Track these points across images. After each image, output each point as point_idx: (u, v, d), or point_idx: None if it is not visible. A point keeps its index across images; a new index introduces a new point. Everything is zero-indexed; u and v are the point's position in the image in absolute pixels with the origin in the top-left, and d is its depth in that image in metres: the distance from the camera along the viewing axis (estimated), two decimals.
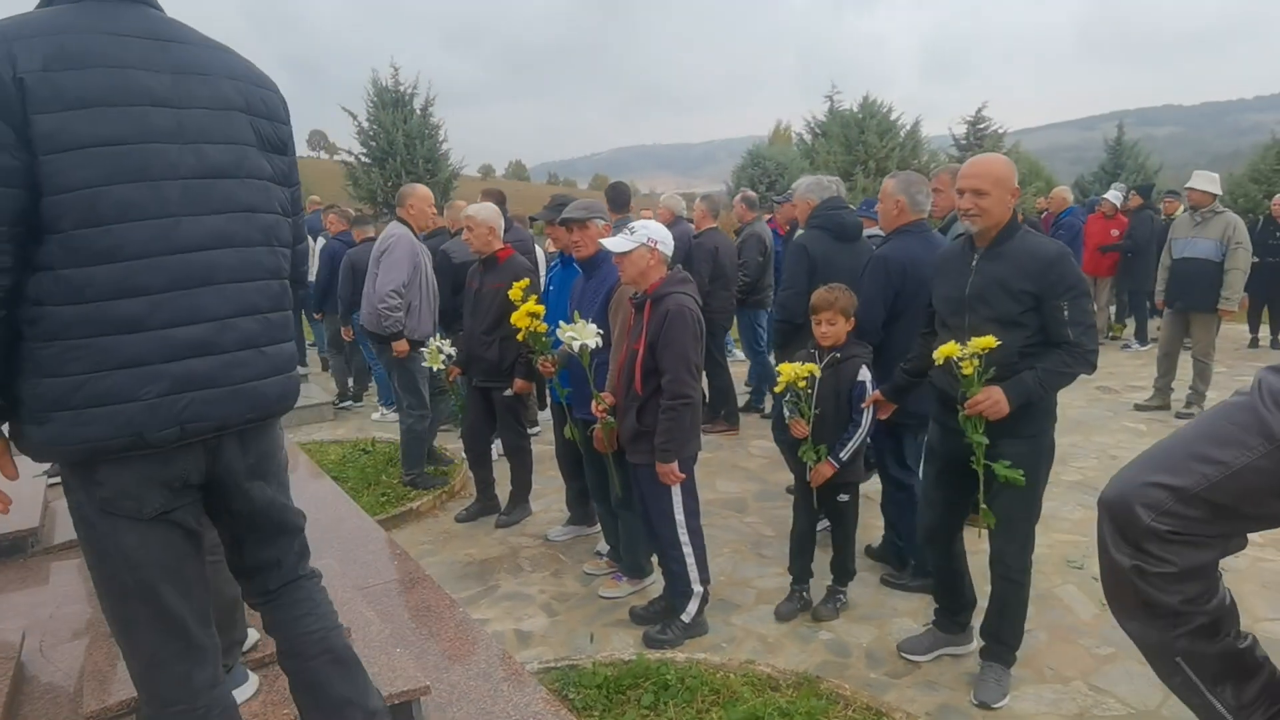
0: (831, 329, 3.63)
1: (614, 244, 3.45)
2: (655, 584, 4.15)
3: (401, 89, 23.17)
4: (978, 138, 25.45)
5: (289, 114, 1.89)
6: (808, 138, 27.45)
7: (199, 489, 1.76)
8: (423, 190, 5.59)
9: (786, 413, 3.67)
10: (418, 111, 23.26)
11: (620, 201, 6.36)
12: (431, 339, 5.22)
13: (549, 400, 4.83)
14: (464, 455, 5.52)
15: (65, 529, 4.17)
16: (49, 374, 1.56)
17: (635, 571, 4.17)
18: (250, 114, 1.76)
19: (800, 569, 3.90)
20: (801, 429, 3.58)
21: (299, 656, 1.96)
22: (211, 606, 1.86)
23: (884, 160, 22.55)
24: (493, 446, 5.39)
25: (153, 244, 1.59)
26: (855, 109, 24.14)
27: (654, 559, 4.20)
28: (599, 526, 4.84)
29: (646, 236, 3.42)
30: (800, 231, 4.83)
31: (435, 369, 5.15)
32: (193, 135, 1.65)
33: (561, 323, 3.74)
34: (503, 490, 5.27)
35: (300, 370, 2.15)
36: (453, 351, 5.14)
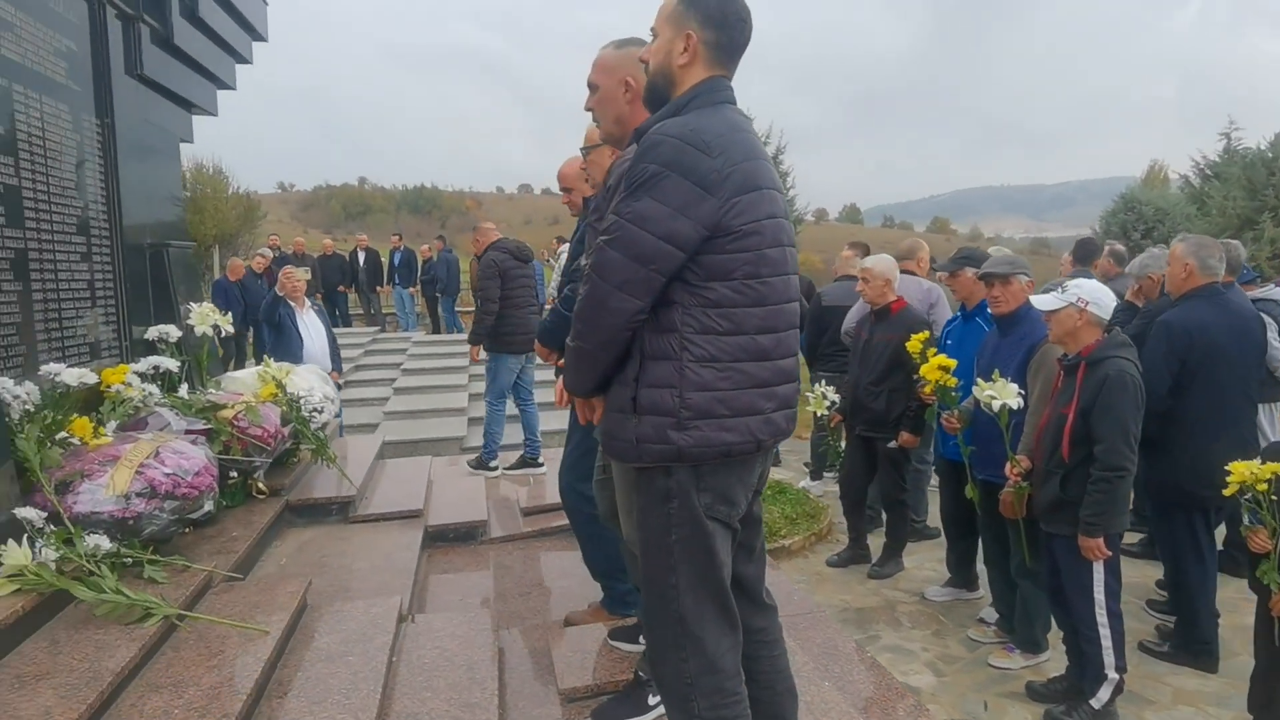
0: None
1: (1043, 302, 3.37)
2: (1050, 661, 3.93)
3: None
4: None
5: None
6: (1196, 180, 24.36)
7: None
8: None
9: (1245, 519, 3.16)
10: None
11: (1085, 256, 6.22)
12: (816, 385, 5.40)
13: (937, 456, 4.76)
14: (839, 500, 5.60)
15: (504, 522, 4.90)
16: (701, 388, 1.91)
17: (1030, 645, 3.97)
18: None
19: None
20: (1261, 542, 3.05)
21: (769, 689, 2.20)
22: None
23: None
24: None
25: (781, 294, 2.01)
26: (1263, 146, 20.95)
27: (1049, 634, 3.98)
28: (981, 591, 4.68)
29: (1077, 295, 3.30)
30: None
31: (818, 414, 5.30)
32: (784, 210, 2.06)
33: (980, 380, 3.70)
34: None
35: None
36: (836, 398, 5.27)
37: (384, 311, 17.00)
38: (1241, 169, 20.98)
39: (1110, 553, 3.28)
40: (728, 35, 2.05)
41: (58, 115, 3.66)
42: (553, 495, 5.22)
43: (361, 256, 16.24)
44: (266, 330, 6.77)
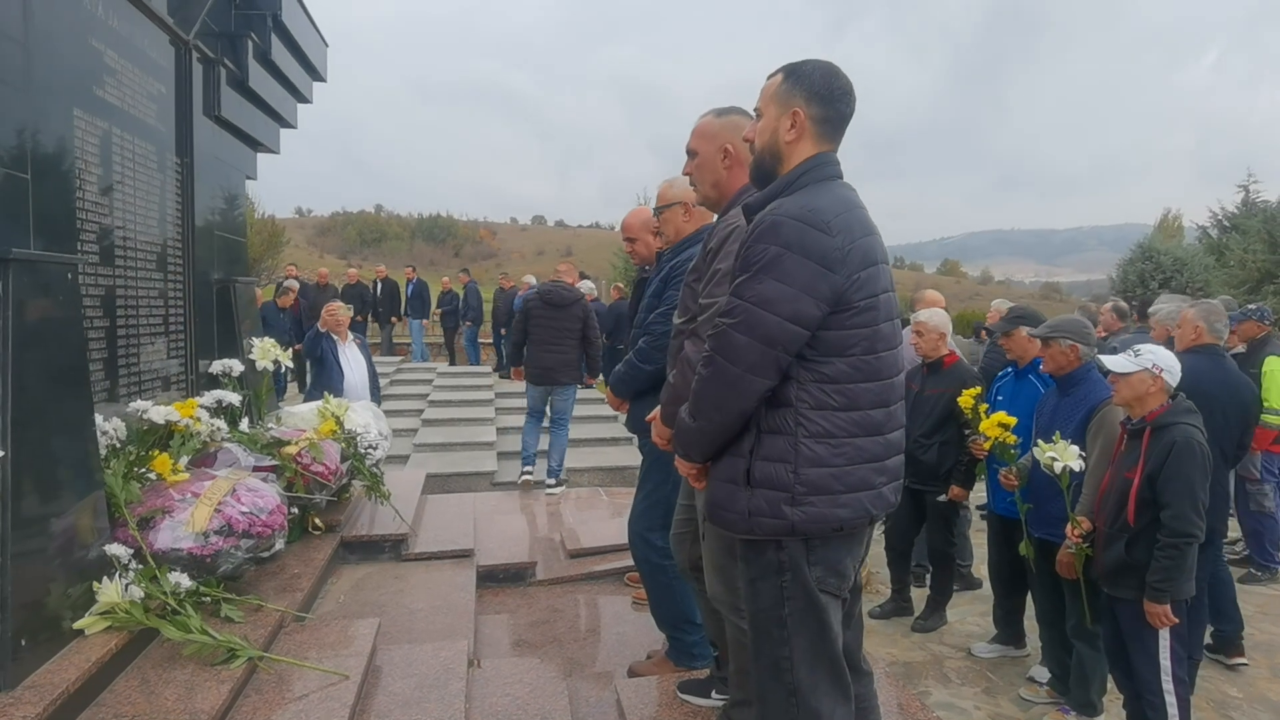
0: None
1: (1116, 364, 3.39)
2: None
3: None
4: None
5: None
6: (1214, 232, 24.44)
7: None
8: None
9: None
10: None
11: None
12: None
13: (990, 511, 4.77)
14: (884, 551, 5.59)
15: (550, 565, 4.91)
16: (816, 464, 1.94)
17: (1086, 709, 3.94)
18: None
19: None
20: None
21: None
22: None
23: None
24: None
25: (892, 368, 2.05)
26: None
27: (1104, 697, 3.96)
28: (1028, 649, 4.66)
29: (1152, 362, 3.33)
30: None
31: None
32: (893, 284, 2.11)
33: (1040, 441, 3.72)
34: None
35: None
36: None
37: (395, 342, 17.11)
38: (1261, 222, 21.02)
39: (1177, 619, 3.28)
40: (834, 110, 2.11)
41: (146, 156, 3.77)
42: (596, 537, 5.27)
43: (379, 287, 16.36)
44: (309, 364, 6.86)
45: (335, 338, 6.99)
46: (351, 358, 7.04)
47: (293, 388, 12.49)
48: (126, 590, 2.70)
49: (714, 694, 3.05)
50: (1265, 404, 5.34)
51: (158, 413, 3.30)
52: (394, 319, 16.64)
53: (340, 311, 7.08)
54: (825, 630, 2.01)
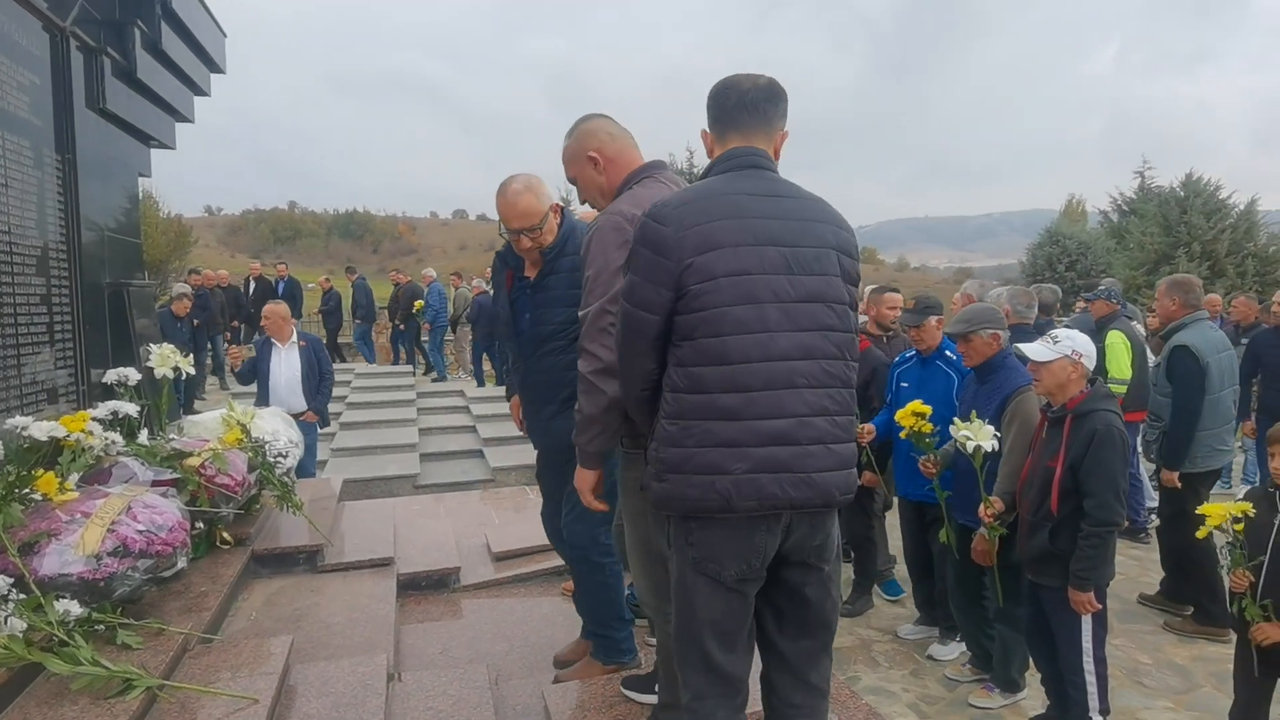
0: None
1: (1036, 352, 3.42)
2: (1028, 699, 4.01)
3: (695, 170, 24.42)
4: None
5: (857, 255, 2.23)
6: (1114, 216, 25.50)
7: (767, 568, 2.09)
8: None
9: (1223, 560, 3.33)
10: None
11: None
12: None
13: (901, 498, 4.85)
14: None
15: (476, 569, 4.77)
16: (670, 444, 2.04)
17: (1009, 686, 4.04)
18: (839, 251, 2.12)
19: None
20: (1240, 580, 3.22)
21: None
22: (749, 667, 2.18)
23: (1211, 244, 20.36)
24: None
25: (754, 353, 1.99)
26: (1175, 186, 22.08)
27: (1025, 673, 4.06)
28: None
29: (1071, 348, 3.37)
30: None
31: None
32: (796, 269, 2.04)
33: (956, 419, 3.77)
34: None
35: None
36: None
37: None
38: (1157, 206, 22.05)
39: (1100, 605, 3.35)
40: (719, 110, 2.20)
41: (19, 151, 3.50)
42: (522, 538, 5.12)
43: (252, 286, 15.40)
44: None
45: (275, 341, 6.79)
46: (284, 361, 6.83)
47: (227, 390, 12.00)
48: (5, 623, 2.50)
49: (657, 688, 3.00)
50: (1108, 375, 5.63)
51: (40, 428, 3.07)
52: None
53: (274, 315, 6.88)
54: (693, 611, 2.07)
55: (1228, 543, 3.22)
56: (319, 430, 7.11)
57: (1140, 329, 6.53)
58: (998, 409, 3.84)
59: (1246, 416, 6.89)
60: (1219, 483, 6.12)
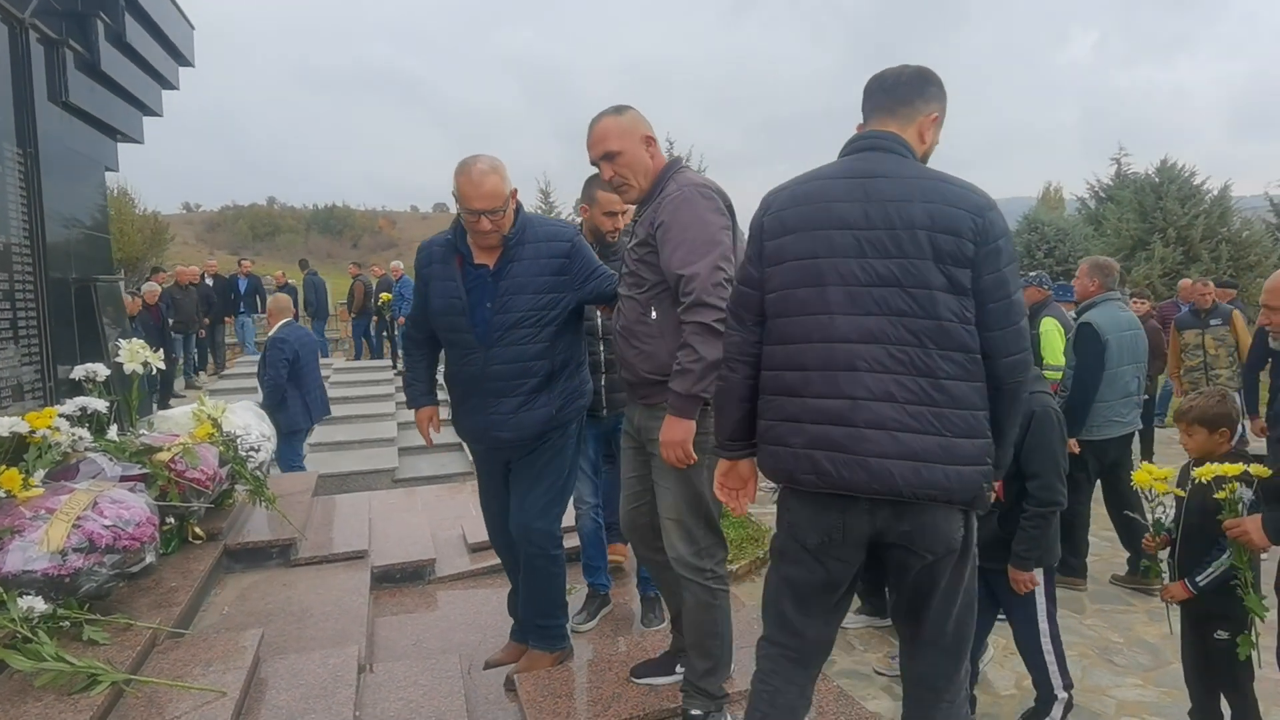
0: (1189, 440, 3.32)
1: None
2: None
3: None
4: None
5: (984, 235, 2.00)
6: (1091, 203, 25.69)
7: (863, 550, 2.14)
8: None
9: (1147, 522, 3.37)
10: None
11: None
12: None
13: None
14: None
15: (451, 560, 4.77)
16: (760, 415, 2.20)
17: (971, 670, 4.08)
18: (932, 230, 2.00)
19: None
20: (1149, 542, 3.31)
21: None
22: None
23: (1186, 229, 20.56)
24: None
25: (811, 334, 2.07)
26: (1150, 172, 22.28)
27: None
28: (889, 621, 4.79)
29: None
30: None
31: None
32: (869, 252, 2.02)
33: None
34: None
35: None
36: None
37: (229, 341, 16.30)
38: (1133, 193, 22.21)
39: (1039, 581, 3.39)
40: (863, 100, 2.29)
41: None
42: None
43: (210, 283, 15.25)
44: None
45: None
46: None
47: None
48: None
49: (678, 668, 3.02)
50: (1043, 361, 5.72)
51: (2, 424, 3.04)
52: (227, 318, 15.69)
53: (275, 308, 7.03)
54: (778, 570, 2.24)
55: (1150, 506, 3.30)
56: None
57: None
58: None
59: (1254, 413, 6.94)
60: None
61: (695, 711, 2.77)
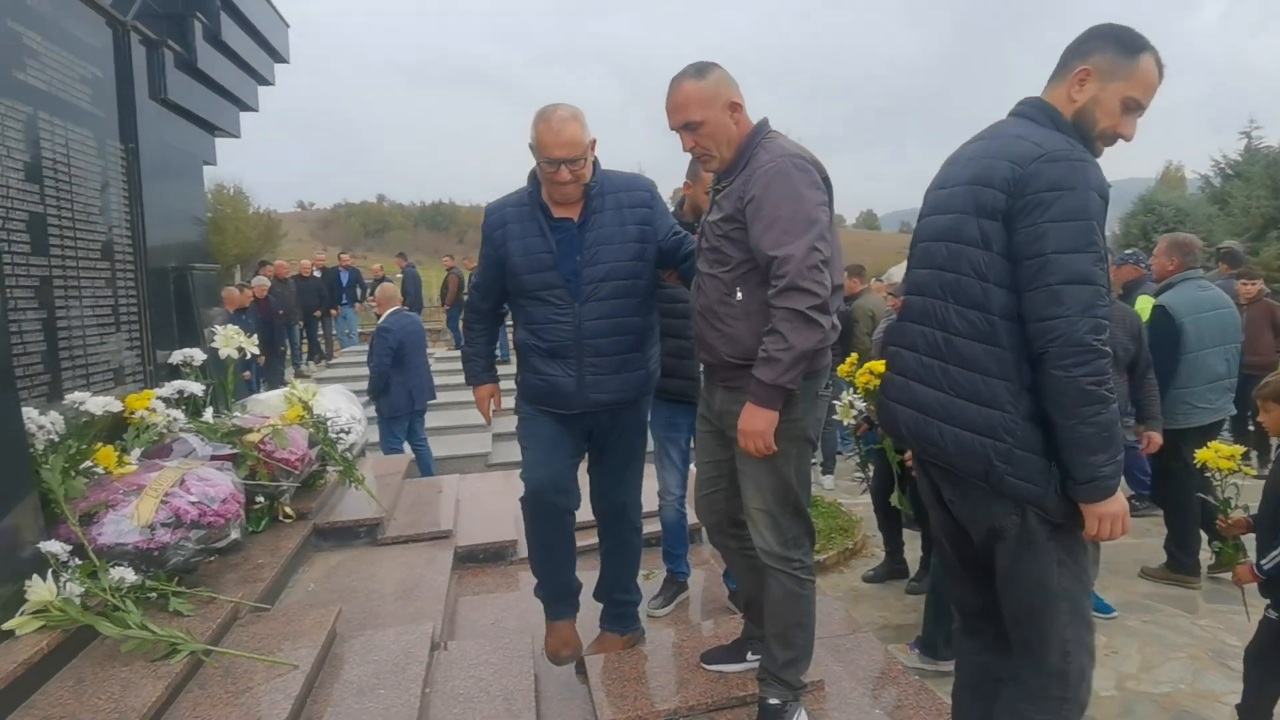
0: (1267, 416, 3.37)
1: None
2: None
3: None
4: None
5: (1021, 186, 1.91)
6: (1216, 180, 24.03)
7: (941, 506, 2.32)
8: None
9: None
10: None
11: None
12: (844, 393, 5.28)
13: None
14: (874, 514, 5.48)
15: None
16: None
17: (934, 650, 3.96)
18: (974, 184, 2.03)
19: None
20: (1222, 523, 3.27)
21: None
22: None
23: None
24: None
25: (910, 285, 2.24)
26: None
27: None
28: None
29: None
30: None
31: (845, 423, 5.19)
32: (935, 209, 2.18)
33: None
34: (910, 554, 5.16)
35: None
36: (863, 406, 5.14)
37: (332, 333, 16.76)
38: (1264, 168, 20.65)
39: None
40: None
41: (82, 141, 3.64)
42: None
43: (320, 275, 15.90)
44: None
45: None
46: None
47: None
48: (64, 588, 2.61)
49: (749, 655, 2.95)
50: None
51: (95, 404, 3.20)
52: (333, 310, 16.24)
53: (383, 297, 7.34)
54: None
55: (1219, 485, 3.25)
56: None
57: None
58: None
59: None
60: None
61: (773, 701, 2.66)
